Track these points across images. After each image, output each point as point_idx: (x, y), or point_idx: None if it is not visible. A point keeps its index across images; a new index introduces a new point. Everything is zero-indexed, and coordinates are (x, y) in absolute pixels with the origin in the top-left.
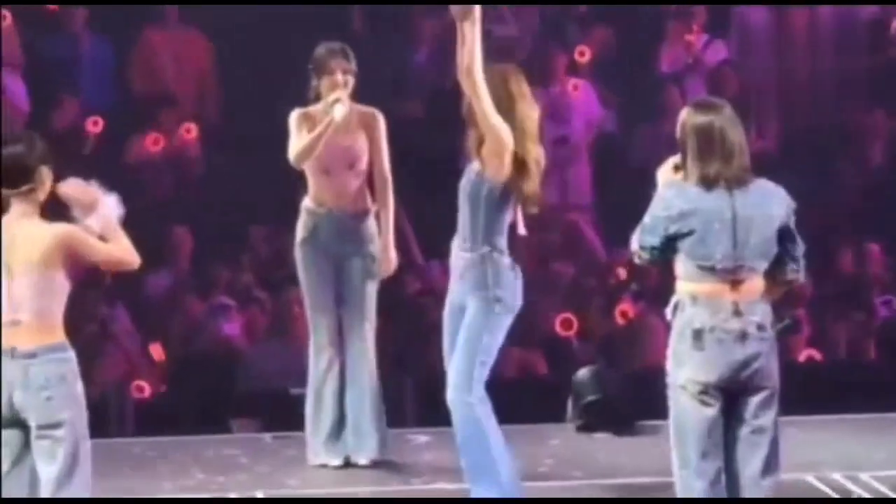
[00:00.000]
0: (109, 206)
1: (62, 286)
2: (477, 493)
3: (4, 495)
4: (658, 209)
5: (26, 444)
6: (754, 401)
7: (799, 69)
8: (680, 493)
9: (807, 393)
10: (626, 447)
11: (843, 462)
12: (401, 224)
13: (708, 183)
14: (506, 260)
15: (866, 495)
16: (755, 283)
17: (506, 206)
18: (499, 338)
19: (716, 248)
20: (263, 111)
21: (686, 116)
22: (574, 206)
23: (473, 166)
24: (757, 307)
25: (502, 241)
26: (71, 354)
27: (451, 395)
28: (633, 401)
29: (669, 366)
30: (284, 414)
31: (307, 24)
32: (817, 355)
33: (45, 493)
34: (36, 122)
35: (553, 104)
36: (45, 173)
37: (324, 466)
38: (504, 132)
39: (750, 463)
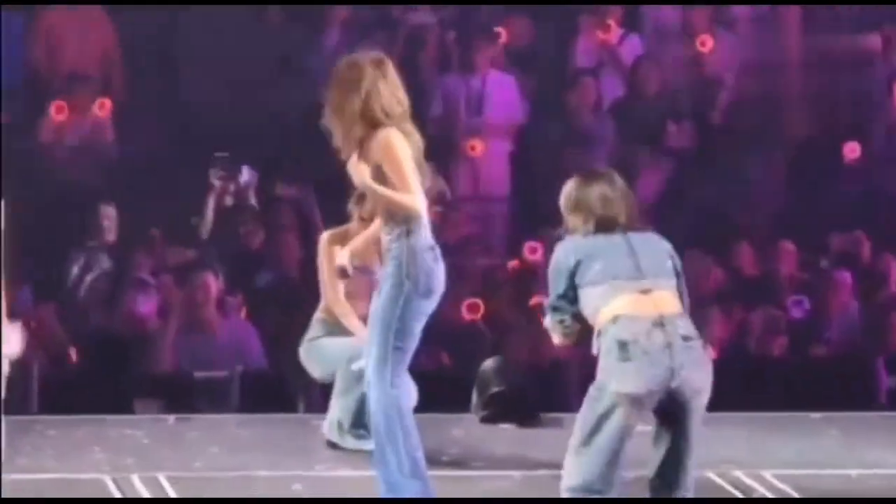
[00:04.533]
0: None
1: None
2: (379, 477)
3: None
4: (555, 269)
5: None
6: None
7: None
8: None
9: (716, 390)
10: (529, 439)
11: (748, 460)
12: None
13: (603, 228)
14: (423, 242)
15: (769, 495)
16: (668, 296)
17: None
18: (412, 324)
19: (620, 268)
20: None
21: (572, 189)
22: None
23: None
24: (678, 319)
25: (420, 223)
26: None
27: (371, 388)
28: (539, 393)
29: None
30: (187, 396)
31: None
32: (726, 353)
33: None
34: None
35: (472, 94)
36: None
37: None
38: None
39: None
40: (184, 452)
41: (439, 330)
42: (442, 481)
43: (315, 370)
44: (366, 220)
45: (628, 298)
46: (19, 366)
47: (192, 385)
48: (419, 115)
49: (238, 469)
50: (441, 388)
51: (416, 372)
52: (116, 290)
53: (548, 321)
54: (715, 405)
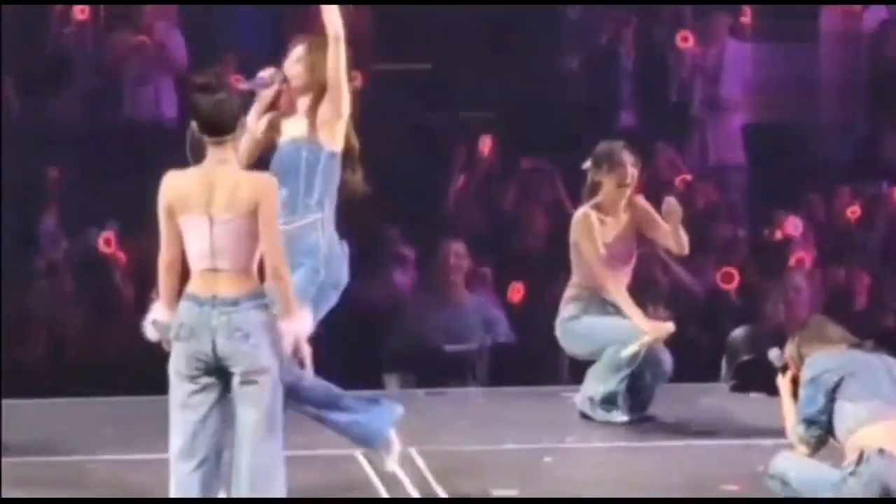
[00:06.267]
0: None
1: (256, 234)
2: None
3: (197, 440)
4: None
5: (224, 392)
6: None
7: None
8: None
9: None
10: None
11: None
12: None
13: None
14: (333, 232)
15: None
16: None
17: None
18: (319, 314)
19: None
20: None
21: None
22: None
23: (298, 136)
24: None
25: (332, 211)
26: (269, 301)
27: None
28: None
29: None
30: (437, 370)
31: None
32: None
33: (246, 438)
34: None
35: (709, 64)
36: (242, 122)
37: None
38: (346, 98)
39: None
40: (434, 426)
41: (688, 299)
42: (690, 451)
43: (579, 348)
44: (622, 187)
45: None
46: None
47: (441, 359)
48: (661, 85)
49: (488, 443)
50: (690, 358)
51: (668, 343)
52: (374, 264)
53: (802, 433)
54: None
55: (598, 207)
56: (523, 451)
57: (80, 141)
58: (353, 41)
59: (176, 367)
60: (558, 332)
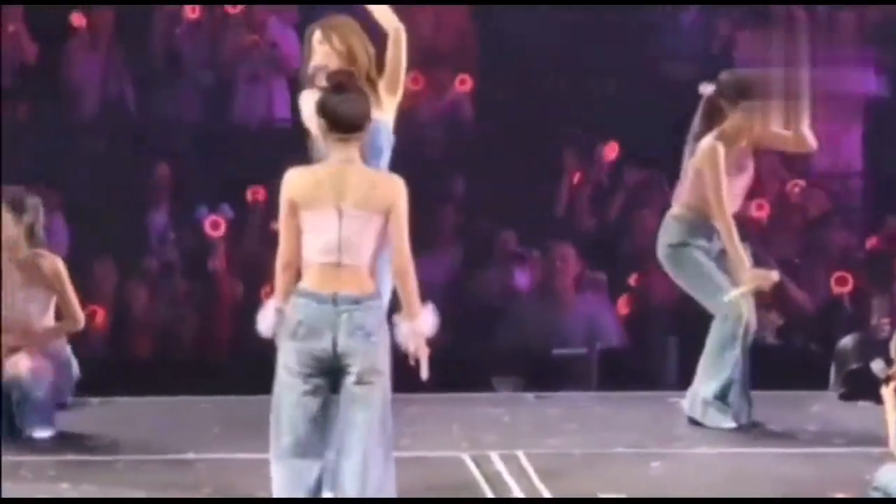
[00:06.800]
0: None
1: (383, 233)
2: None
3: (308, 438)
4: None
5: (331, 392)
6: None
7: None
8: None
9: None
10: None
11: None
12: None
13: None
14: None
15: None
16: None
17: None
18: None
19: None
20: None
21: None
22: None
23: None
24: None
25: None
26: (384, 302)
27: None
28: None
29: None
30: (546, 373)
31: None
32: None
33: (358, 439)
34: None
35: None
36: (370, 120)
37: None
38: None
39: None
40: (541, 429)
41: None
42: (798, 458)
43: (683, 278)
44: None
45: None
46: None
47: (550, 362)
48: None
49: (596, 446)
50: (799, 366)
51: (772, 347)
52: (486, 266)
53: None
54: None
55: (721, 136)
56: (631, 455)
57: (193, 140)
58: (463, 49)
59: (288, 364)
60: (661, 254)
